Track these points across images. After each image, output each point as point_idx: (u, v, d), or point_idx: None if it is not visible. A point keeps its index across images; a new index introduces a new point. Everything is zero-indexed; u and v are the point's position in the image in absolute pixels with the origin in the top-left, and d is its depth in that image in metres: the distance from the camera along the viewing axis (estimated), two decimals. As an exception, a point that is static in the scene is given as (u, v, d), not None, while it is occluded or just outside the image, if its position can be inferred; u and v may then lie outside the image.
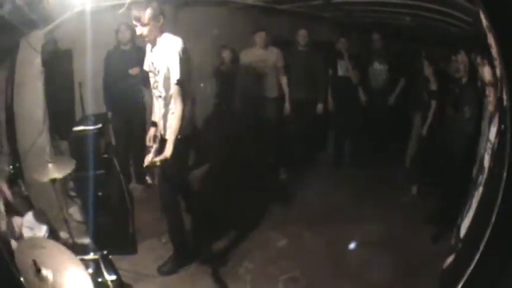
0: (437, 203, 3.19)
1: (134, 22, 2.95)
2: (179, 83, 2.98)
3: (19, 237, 3.27)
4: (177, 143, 2.99)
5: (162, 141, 3.02)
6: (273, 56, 2.96)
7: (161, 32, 2.99)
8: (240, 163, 3.03)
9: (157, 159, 2.98)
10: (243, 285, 3.11)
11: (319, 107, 3.06)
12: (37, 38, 3.12)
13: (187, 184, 3.10)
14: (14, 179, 3.26)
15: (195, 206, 3.15)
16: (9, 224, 3.30)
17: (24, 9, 3.13)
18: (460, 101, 3.13)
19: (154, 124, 3.01)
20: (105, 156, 3.06)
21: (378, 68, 3.05)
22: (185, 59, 2.97)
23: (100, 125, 3.03)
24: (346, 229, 3.11)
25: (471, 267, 3.13)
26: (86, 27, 2.93)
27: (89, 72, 3.00)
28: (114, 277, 3.06)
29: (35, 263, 2.94)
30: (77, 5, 2.98)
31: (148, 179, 3.07)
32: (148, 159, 3.01)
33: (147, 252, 3.12)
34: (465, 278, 3.14)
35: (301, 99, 3.02)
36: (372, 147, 3.04)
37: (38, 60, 3.11)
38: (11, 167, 3.24)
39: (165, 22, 2.98)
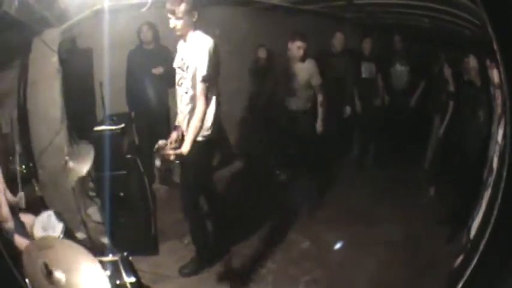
0: (452, 204, 3.19)
1: (169, 15, 2.94)
2: (204, 80, 2.98)
3: (30, 237, 3.20)
4: (199, 143, 2.94)
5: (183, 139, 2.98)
6: (309, 71, 2.94)
7: (194, 28, 2.95)
8: (264, 165, 3.01)
9: (173, 152, 2.94)
10: (264, 285, 3.11)
11: (347, 110, 3.04)
12: (53, 36, 3.10)
13: (209, 185, 3.06)
14: (28, 179, 3.18)
15: (217, 207, 3.12)
16: (17, 225, 3.24)
17: (35, 7, 3.08)
18: (475, 104, 3.15)
19: (176, 128, 2.96)
20: (128, 156, 3.01)
21: (400, 69, 3.07)
22: (215, 59, 2.97)
23: (123, 125, 2.98)
24: (367, 230, 3.09)
25: (471, 267, 3.16)
26: (106, 26, 2.88)
27: (110, 72, 2.94)
28: (133, 279, 3.04)
29: (45, 265, 2.89)
30: (95, 3, 2.91)
31: (157, 162, 3.01)
32: (165, 150, 2.97)
33: (168, 254, 3.11)
34: (465, 278, 3.17)
35: (332, 106, 2.99)
36: (393, 148, 3.03)
37: (54, 59, 3.08)
38: (23, 166, 3.18)
39: (199, 18, 2.92)
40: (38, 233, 3.19)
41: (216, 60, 2.96)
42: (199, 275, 3.10)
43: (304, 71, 2.97)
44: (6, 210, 3.20)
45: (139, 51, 3.00)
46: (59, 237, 3.17)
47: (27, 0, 3.13)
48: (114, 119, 2.99)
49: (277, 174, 3.01)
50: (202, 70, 2.98)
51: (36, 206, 3.21)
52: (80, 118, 3.05)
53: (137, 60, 2.97)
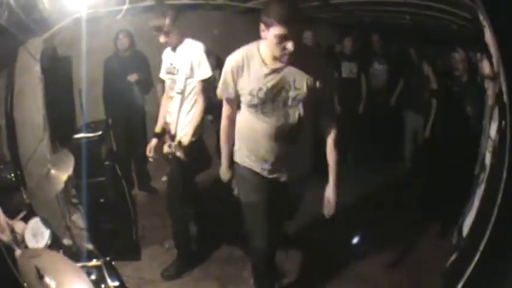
0: (440, 202, 3.16)
1: (155, 32, 3.00)
2: (205, 80, 3.08)
3: (21, 244, 3.25)
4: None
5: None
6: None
7: (182, 35, 3.02)
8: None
9: (178, 139, 3.00)
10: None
11: None
12: (36, 45, 3.12)
13: (193, 189, 3.07)
14: (16, 187, 3.23)
15: (200, 211, 3.12)
16: (12, 232, 3.29)
17: (22, 17, 3.11)
18: (461, 99, 3.11)
19: (156, 135, 2.97)
20: (107, 163, 3.03)
21: (378, 68, 3.03)
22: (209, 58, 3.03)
23: (100, 132, 3.00)
24: (351, 230, 3.06)
25: (471, 267, 3.12)
26: (84, 34, 2.90)
27: (88, 79, 2.96)
28: (117, 283, 3.05)
29: (37, 270, 2.93)
30: (74, 12, 2.92)
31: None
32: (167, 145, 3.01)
33: (150, 258, 3.13)
34: (465, 278, 3.14)
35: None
36: (375, 146, 3.00)
37: (37, 68, 3.10)
38: (12, 174, 3.22)
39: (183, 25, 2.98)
40: (28, 239, 3.22)
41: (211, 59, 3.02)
42: (181, 279, 3.05)
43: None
44: (3, 220, 3.23)
45: (116, 58, 3.02)
46: (46, 244, 3.17)
47: (15, 10, 3.11)
48: (92, 126, 3.00)
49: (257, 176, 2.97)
50: (205, 71, 3.08)
51: (26, 214, 3.23)
52: (61, 126, 3.08)
53: (113, 68, 2.99)
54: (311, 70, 2.87)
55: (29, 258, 2.97)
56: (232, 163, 3.06)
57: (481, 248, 2.98)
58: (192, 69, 3.01)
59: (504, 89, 2.98)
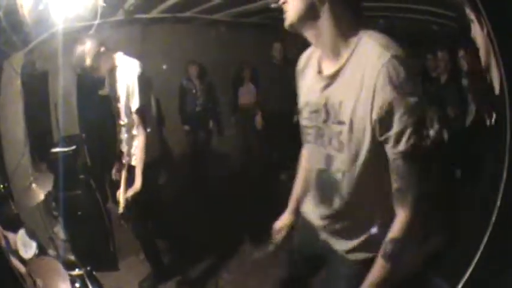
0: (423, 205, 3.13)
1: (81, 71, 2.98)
2: (139, 112, 3.00)
3: (14, 253, 3.34)
4: (145, 170, 2.98)
5: (130, 168, 3.01)
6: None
7: (112, 59, 3.00)
8: (209, 181, 3.03)
9: (129, 194, 3.00)
10: (222, 297, 3.14)
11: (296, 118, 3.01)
12: (17, 59, 3.17)
13: (156, 206, 3.10)
14: (5, 198, 3.31)
15: (166, 225, 3.15)
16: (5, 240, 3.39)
17: (7, 30, 3.16)
18: (441, 100, 3.06)
19: (118, 158, 3.00)
20: (81, 176, 3.08)
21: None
22: (144, 84, 2.96)
23: (74, 147, 3.04)
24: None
25: (471, 267, 3.10)
26: (60, 48, 2.93)
27: (62, 94, 3.01)
28: (99, 292, 3.12)
29: (29, 274, 3.02)
30: (52, 26, 2.96)
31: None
32: (120, 195, 3.03)
33: (128, 269, 3.18)
34: (465, 278, 3.12)
35: (277, 113, 2.95)
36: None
37: (18, 82, 3.16)
38: (1, 186, 3.30)
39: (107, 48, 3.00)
40: (20, 249, 3.31)
41: (146, 84, 2.97)
42: (157, 286, 3.09)
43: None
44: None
45: (88, 73, 3.00)
46: (34, 254, 3.25)
47: (3, 24, 3.17)
48: (67, 140, 3.03)
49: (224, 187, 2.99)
50: (136, 102, 3.01)
51: (15, 224, 3.31)
52: (39, 140, 3.13)
53: (86, 82, 3.00)
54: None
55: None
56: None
57: (481, 248, 2.95)
58: (127, 98, 2.98)
59: (497, 84, 2.93)
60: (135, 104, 3.01)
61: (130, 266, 3.17)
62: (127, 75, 2.99)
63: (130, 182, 3.04)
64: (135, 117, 3.02)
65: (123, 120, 3.05)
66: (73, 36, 2.98)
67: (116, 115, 3.09)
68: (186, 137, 3.09)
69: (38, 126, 3.14)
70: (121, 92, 3.02)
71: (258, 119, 3.00)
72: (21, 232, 3.31)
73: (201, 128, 3.06)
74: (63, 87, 3.00)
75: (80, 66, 2.95)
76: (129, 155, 3.02)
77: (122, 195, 3.02)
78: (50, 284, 3.18)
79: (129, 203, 3.05)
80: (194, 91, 3.02)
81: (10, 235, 3.35)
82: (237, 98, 3.02)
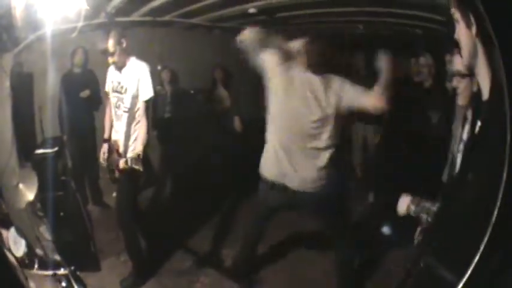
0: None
1: (101, 54, 3.04)
2: (149, 101, 3.12)
3: (9, 250, 3.40)
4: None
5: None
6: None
7: (128, 54, 3.08)
8: (191, 182, 3.06)
9: (131, 156, 3.05)
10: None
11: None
12: (7, 60, 3.20)
13: (141, 203, 3.13)
14: (-4, 197, 3.38)
15: (149, 224, 3.19)
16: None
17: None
18: (424, 106, 3.05)
19: (106, 141, 3.05)
20: (63, 178, 3.12)
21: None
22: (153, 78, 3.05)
23: (56, 148, 3.07)
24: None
25: (471, 267, 3.09)
26: (45, 50, 2.97)
27: (47, 96, 3.05)
28: (84, 291, 3.17)
29: (22, 272, 3.09)
30: (39, 28, 3.00)
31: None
32: (122, 162, 3.08)
33: (109, 270, 3.22)
34: (465, 278, 3.11)
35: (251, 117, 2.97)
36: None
37: (7, 83, 3.19)
38: (-8, 184, 3.37)
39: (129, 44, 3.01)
40: (12, 246, 3.38)
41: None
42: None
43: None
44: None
45: (70, 75, 3.07)
46: (24, 252, 3.31)
47: (-4, 26, 3.23)
48: (51, 142, 3.07)
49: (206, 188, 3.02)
50: (148, 91, 3.09)
51: (6, 222, 3.38)
52: (25, 141, 3.17)
53: (68, 84, 3.04)
54: None
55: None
56: None
57: (481, 248, 2.95)
58: (138, 89, 3.03)
59: (486, 87, 2.91)
60: (147, 94, 3.14)
61: (111, 267, 3.21)
62: (138, 70, 3.12)
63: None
64: (142, 106, 3.11)
65: (125, 109, 3.10)
66: (57, 39, 2.97)
67: (115, 106, 3.16)
68: (158, 141, 3.08)
69: (24, 127, 3.17)
70: (130, 84, 3.13)
71: (237, 123, 3.00)
72: (12, 230, 3.35)
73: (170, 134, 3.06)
74: (47, 90, 3.00)
75: (101, 51, 3.02)
76: (125, 145, 3.04)
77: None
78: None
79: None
80: (165, 97, 3.04)
81: (3, 232, 3.40)
82: (212, 102, 3.00)
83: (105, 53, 3.02)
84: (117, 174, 3.11)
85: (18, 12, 3.13)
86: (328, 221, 3.09)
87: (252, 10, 2.91)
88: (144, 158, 3.08)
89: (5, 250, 3.38)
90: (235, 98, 3.06)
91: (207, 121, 3.10)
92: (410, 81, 3.03)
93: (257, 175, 3.06)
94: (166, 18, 2.93)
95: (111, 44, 2.97)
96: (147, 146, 3.11)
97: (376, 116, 3.03)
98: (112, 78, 3.10)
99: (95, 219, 3.18)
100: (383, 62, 2.86)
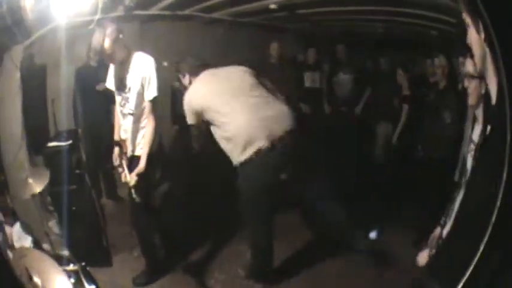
0: (415, 209, 3.13)
1: (97, 56, 3.00)
2: (154, 101, 2.98)
3: (11, 247, 3.34)
4: (148, 158, 2.99)
5: (132, 158, 3.01)
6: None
7: (128, 49, 2.99)
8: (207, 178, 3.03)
9: (133, 174, 3.00)
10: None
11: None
12: (17, 52, 3.17)
13: (155, 200, 3.10)
14: (2, 191, 3.31)
15: (164, 221, 3.15)
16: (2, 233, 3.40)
17: (8, 22, 3.16)
18: (438, 106, 3.06)
19: (118, 144, 3.00)
20: (77, 171, 3.07)
21: (343, 77, 3.00)
22: (159, 75, 3.02)
23: (70, 141, 3.03)
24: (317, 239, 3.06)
25: (471, 267, 3.10)
26: (60, 43, 2.93)
27: (60, 89, 3.00)
28: (93, 287, 3.11)
29: (26, 269, 3.03)
30: (53, 20, 2.96)
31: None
32: (124, 176, 3.03)
33: (121, 265, 3.18)
34: (465, 278, 3.12)
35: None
36: (341, 157, 2.98)
37: (17, 75, 3.15)
38: (-2, 178, 3.31)
39: (127, 38, 2.94)
40: (16, 242, 3.31)
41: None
42: (152, 286, 3.09)
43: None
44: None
45: (86, 68, 3.02)
46: (30, 247, 3.26)
47: (4, 15, 3.17)
48: (64, 135, 3.02)
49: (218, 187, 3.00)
50: (152, 90, 3.02)
51: (11, 218, 3.32)
52: (36, 134, 3.13)
53: (83, 77, 3.00)
54: None
55: (19, 258, 3.05)
56: None
57: (481, 248, 2.95)
58: (142, 88, 2.96)
59: (494, 90, 2.93)
60: (151, 93, 3.06)
61: (123, 262, 3.17)
62: (143, 67, 3.02)
63: (132, 170, 3.00)
64: (148, 105, 3.05)
65: (131, 109, 3.01)
66: (73, 32, 2.94)
67: (120, 105, 3.07)
68: (178, 136, 3.05)
69: (35, 120, 3.13)
70: (133, 83, 3.05)
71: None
72: (17, 226, 3.30)
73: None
74: (61, 82, 2.96)
75: (96, 50, 2.94)
76: (134, 144, 3.00)
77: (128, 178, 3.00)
78: (47, 279, 3.17)
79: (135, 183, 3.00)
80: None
81: (7, 228, 3.35)
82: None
83: (103, 51, 2.92)
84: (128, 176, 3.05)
85: (28, 5, 3.09)
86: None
87: (272, 6, 2.89)
88: (156, 155, 2.99)
89: (7, 247, 3.30)
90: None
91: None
92: (426, 82, 3.01)
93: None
94: (186, 12, 2.89)
95: (107, 42, 2.90)
96: (156, 145, 3.00)
97: (393, 116, 3.02)
98: (114, 76, 3.00)
99: (108, 214, 3.15)
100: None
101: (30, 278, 3.16)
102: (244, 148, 2.99)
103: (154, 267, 3.16)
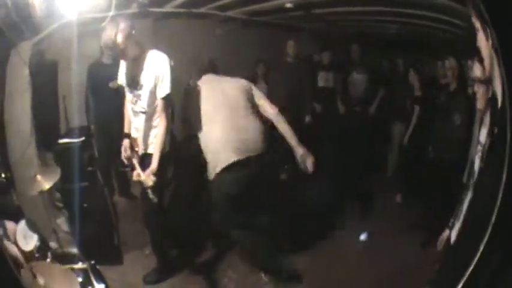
0: (425, 210, 3.15)
1: (108, 51, 3.00)
2: (167, 98, 2.94)
3: (14, 243, 3.31)
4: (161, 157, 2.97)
5: (144, 156, 3.00)
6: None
7: (141, 46, 2.97)
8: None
9: (148, 173, 2.98)
10: (226, 294, 3.13)
11: (306, 119, 3.01)
12: (26, 49, 3.15)
13: (167, 199, 3.08)
14: (7, 188, 3.28)
15: (175, 220, 3.14)
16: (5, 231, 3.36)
17: (15, 18, 3.14)
18: (448, 108, 3.08)
19: (127, 136, 2.98)
20: (89, 168, 3.06)
21: (358, 78, 3.01)
22: (172, 73, 2.98)
23: (83, 138, 3.01)
24: (329, 239, 3.06)
25: (471, 267, 3.11)
26: (71, 39, 2.91)
27: (72, 85, 2.98)
28: (102, 286, 3.11)
29: (31, 269, 3.00)
30: (64, 16, 2.94)
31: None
32: (137, 175, 3.01)
33: (132, 263, 3.16)
34: (465, 278, 3.13)
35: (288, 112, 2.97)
36: (353, 156, 2.99)
37: (26, 71, 3.12)
38: (3, 175, 3.27)
39: (139, 34, 2.94)
40: (20, 240, 3.29)
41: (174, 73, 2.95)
42: (162, 284, 3.07)
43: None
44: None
45: (99, 65, 3.00)
46: (35, 246, 3.23)
47: (10, 11, 3.14)
48: (76, 132, 3.00)
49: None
50: (165, 88, 2.98)
51: (16, 215, 3.28)
52: (46, 131, 3.10)
53: (96, 74, 2.98)
54: None
55: (24, 260, 3.03)
56: None
57: (481, 248, 2.97)
58: (155, 86, 2.95)
59: (499, 92, 2.95)
60: (164, 91, 3.02)
61: (134, 260, 3.15)
62: (156, 64, 2.98)
63: (144, 168, 2.99)
64: (160, 103, 3.00)
65: (143, 107, 3.00)
66: (85, 28, 2.92)
67: (131, 102, 3.03)
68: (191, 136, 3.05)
69: (46, 116, 3.10)
70: (146, 80, 3.01)
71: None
72: (22, 224, 3.27)
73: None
74: (72, 79, 2.95)
75: (108, 46, 2.92)
76: (146, 143, 2.98)
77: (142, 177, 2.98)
78: (51, 282, 3.15)
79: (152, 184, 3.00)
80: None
81: (10, 225, 3.32)
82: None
83: (115, 47, 2.91)
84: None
85: (37, 1, 3.07)
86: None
87: (288, 5, 2.90)
88: (168, 154, 2.97)
89: (8, 245, 3.28)
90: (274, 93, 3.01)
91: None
92: (437, 83, 3.03)
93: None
94: (202, 10, 2.89)
95: (120, 38, 2.88)
96: (167, 145, 2.99)
97: (405, 116, 3.04)
98: (125, 73, 2.98)
99: (120, 211, 3.13)
100: None
101: (34, 276, 3.12)
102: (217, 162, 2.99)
103: (166, 265, 3.13)
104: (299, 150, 2.93)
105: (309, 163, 2.91)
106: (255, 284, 3.09)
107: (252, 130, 2.99)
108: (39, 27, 3.06)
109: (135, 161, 3.01)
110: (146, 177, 2.99)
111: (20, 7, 3.12)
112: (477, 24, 3.11)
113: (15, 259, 3.39)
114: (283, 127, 2.91)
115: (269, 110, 2.94)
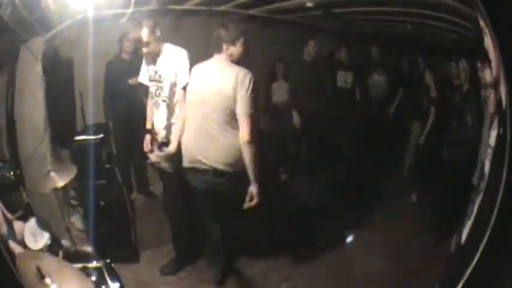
0: (438, 211, 3.17)
1: (133, 45, 2.98)
2: (185, 87, 2.99)
3: (21, 243, 3.27)
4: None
5: (163, 144, 3.00)
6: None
7: (162, 43, 2.99)
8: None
9: (163, 153, 2.98)
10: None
11: (321, 118, 3.02)
12: (38, 45, 3.12)
13: (187, 190, 3.08)
14: (16, 186, 3.24)
15: (196, 212, 3.13)
16: (9, 231, 3.32)
17: (24, 14, 3.11)
18: (461, 109, 3.12)
19: (148, 131, 2.99)
20: (107, 166, 3.04)
21: (377, 78, 3.03)
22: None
23: (101, 135, 2.99)
24: (345, 238, 3.07)
25: (471, 267, 3.14)
26: (88, 36, 2.89)
27: (90, 82, 2.96)
28: (117, 285, 3.09)
29: (38, 269, 2.97)
30: (79, 12, 2.92)
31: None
32: (154, 155, 3.01)
33: (149, 262, 3.14)
34: (465, 278, 3.16)
35: (305, 112, 2.97)
36: (371, 156, 3.00)
37: (38, 68, 3.10)
38: (12, 173, 3.23)
39: (163, 32, 2.95)
40: (28, 239, 3.25)
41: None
42: (180, 283, 3.06)
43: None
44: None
45: (118, 61, 2.98)
46: (46, 244, 3.19)
47: (18, 7, 3.11)
48: (94, 129, 2.98)
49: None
50: (184, 78, 2.99)
51: (25, 213, 3.24)
52: (61, 128, 3.08)
53: (115, 71, 2.97)
54: None
55: (30, 259, 2.99)
56: None
57: (481, 248, 2.99)
58: (176, 76, 2.97)
59: (504, 94, 2.99)
60: (184, 80, 3.02)
61: (151, 259, 3.14)
62: (176, 57, 3.02)
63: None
64: (180, 93, 3.03)
65: (165, 98, 3.04)
66: (103, 24, 2.91)
67: (155, 95, 3.08)
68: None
69: (61, 113, 3.08)
70: (167, 73, 3.05)
71: (295, 117, 3.00)
72: (33, 221, 3.24)
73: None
74: (90, 75, 2.93)
75: (131, 42, 2.89)
76: (167, 131, 3.01)
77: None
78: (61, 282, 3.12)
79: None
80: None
81: (17, 223, 3.28)
82: (270, 94, 2.99)
83: (139, 42, 2.91)
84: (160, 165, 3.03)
85: (51, -3, 3.05)
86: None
87: (309, 4, 2.91)
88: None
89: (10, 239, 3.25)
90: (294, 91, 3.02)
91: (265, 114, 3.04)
92: (451, 84, 3.07)
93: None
94: (222, 8, 2.89)
95: (145, 34, 2.89)
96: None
97: (422, 117, 3.07)
98: (148, 68, 2.99)
99: (138, 209, 3.09)
100: None
101: (42, 277, 3.09)
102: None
103: (184, 256, 3.10)
104: (253, 186, 2.93)
105: (251, 202, 2.90)
106: (273, 281, 3.07)
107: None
108: (52, 23, 3.03)
109: (155, 148, 2.98)
110: (164, 154, 2.97)
111: (30, 2, 3.08)
112: (484, 28, 3.14)
113: (18, 259, 3.32)
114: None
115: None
